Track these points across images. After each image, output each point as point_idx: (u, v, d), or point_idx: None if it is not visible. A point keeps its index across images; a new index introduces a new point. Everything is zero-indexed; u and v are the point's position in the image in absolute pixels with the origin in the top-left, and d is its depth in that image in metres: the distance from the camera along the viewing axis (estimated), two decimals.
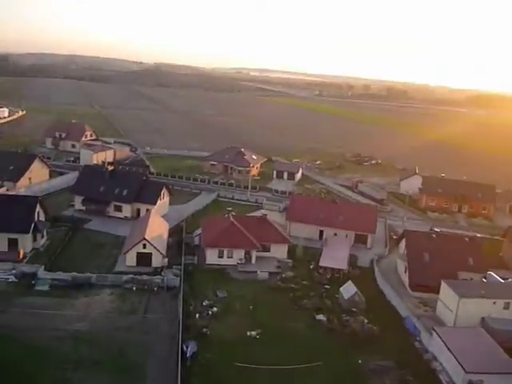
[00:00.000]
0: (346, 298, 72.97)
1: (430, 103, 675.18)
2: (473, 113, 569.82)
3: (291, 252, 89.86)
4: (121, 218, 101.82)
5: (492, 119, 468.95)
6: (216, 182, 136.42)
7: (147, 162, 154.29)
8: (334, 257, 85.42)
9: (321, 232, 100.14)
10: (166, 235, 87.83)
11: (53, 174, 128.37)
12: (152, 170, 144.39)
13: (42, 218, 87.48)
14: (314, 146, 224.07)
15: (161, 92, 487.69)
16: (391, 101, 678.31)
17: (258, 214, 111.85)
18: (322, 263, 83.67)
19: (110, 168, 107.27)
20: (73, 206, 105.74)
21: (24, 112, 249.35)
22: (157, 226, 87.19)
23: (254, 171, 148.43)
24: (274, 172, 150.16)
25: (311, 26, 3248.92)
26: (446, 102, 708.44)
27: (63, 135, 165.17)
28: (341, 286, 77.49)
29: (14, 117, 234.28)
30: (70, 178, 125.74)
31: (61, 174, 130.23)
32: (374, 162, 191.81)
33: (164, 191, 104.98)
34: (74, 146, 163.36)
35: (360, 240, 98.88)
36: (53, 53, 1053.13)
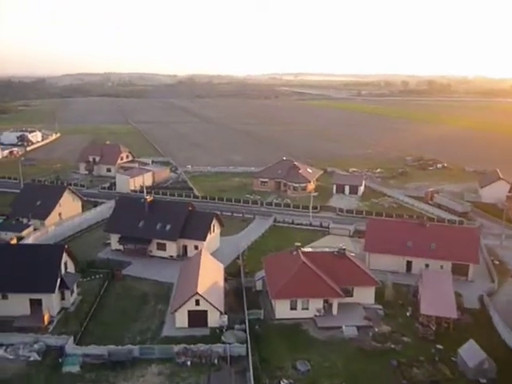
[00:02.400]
0: (470, 365, 54.11)
1: (477, 95, 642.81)
2: None
3: (378, 293, 71.55)
4: (165, 258, 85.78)
5: None
6: (270, 204, 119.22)
7: (190, 184, 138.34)
8: (438, 300, 66.47)
9: (408, 263, 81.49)
10: (221, 282, 70.92)
11: (86, 205, 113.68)
12: (196, 192, 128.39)
13: (71, 268, 72.05)
14: (368, 150, 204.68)
15: (197, 103, 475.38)
16: (435, 95, 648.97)
17: (325, 240, 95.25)
18: (426, 311, 64.86)
19: (150, 198, 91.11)
20: (109, 244, 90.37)
21: (58, 135, 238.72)
22: (210, 272, 70.38)
23: (311, 187, 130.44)
24: (334, 186, 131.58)
25: (341, 26, 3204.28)
26: (492, 92, 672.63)
27: (97, 159, 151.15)
28: (455, 341, 59.18)
29: (48, 140, 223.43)
30: (106, 208, 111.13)
31: (95, 204, 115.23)
32: (439, 165, 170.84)
33: (214, 222, 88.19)
34: (109, 169, 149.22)
35: (458, 271, 79.41)
36: (89, 72, 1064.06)
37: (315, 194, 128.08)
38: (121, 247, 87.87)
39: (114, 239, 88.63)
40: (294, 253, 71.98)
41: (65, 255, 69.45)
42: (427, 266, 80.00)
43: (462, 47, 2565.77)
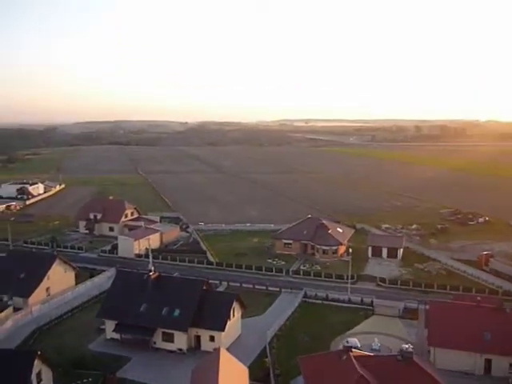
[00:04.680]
0: None
1: (493, 139, 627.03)
2: None
3: None
4: (173, 352, 67.91)
5: None
6: (297, 272, 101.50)
7: (203, 245, 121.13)
8: None
9: (487, 362, 62.93)
10: None
11: (82, 274, 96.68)
12: (210, 257, 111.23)
13: (47, 379, 54.41)
14: (397, 203, 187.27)
15: (209, 151, 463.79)
16: (450, 140, 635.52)
17: (370, 323, 77.45)
18: None
19: (154, 274, 73.81)
20: (104, 330, 72.85)
21: (62, 186, 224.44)
22: (231, 382, 52.32)
23: (342, 249, 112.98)
24: (369, 248, 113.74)
25: (348, 71, 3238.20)
26: (508, 136, 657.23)
27: (98, 216, 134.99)
28: None
29: (50, 193, 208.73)
30: (104, 279, 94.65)
31: (92, 274, 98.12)
32: (481, 219, 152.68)
33: (234, 305, 70.58)
34: (111, 228, 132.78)
35: None
36: (100, 120, 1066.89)
37: (348, 258, 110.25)
38: (118, 337, 70.30)
39: (109, 326, 71.12)
40: (344, 357, 53.80)
41: (38, 363, 52.02)
42: None
43: (471, 90, 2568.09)
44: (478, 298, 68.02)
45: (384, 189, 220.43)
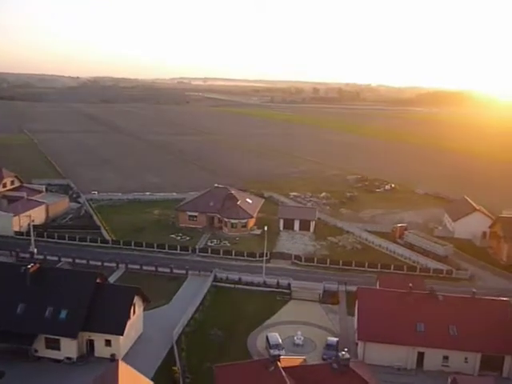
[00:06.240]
0: None
1: (388, 104, 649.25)
2: (431, 111, 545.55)
3: None
4: (60, 361, 55.85)
5: (455, 117, 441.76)
6: (205, 250, 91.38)
7: (97, 220, 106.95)
8: None
9: (420, 356, 57.48)
10: None
11: None
12: (105, 234, 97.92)
13: None
14: (301, 167, 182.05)
15: (103, 109, 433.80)
16: (345, 103, 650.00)
17: (289, 310, 69.94)
18: None
19: (34, 267, 59.98)
20: None
21: None
22: None
23: (252, 222, 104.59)
24: (281, 221, 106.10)
25: (246, 30, 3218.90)
26: (400, 101, 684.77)
27: None
28: None
29: None
30: None
31: None
32: (387, 187, 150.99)
33: (136, 300, 59.29)
34: None
35: (488, 365, 56.77)
36: None
37: (258, 231, 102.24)
38: None
39: None
40: (272, 368, 45.13)
41: None
42: (446, 358, 56.78)
43: (364, 55, 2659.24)
44: (410, 285, 61.85)
45: (289, 153, 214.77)
